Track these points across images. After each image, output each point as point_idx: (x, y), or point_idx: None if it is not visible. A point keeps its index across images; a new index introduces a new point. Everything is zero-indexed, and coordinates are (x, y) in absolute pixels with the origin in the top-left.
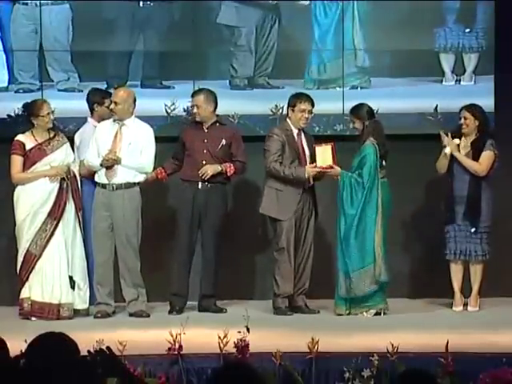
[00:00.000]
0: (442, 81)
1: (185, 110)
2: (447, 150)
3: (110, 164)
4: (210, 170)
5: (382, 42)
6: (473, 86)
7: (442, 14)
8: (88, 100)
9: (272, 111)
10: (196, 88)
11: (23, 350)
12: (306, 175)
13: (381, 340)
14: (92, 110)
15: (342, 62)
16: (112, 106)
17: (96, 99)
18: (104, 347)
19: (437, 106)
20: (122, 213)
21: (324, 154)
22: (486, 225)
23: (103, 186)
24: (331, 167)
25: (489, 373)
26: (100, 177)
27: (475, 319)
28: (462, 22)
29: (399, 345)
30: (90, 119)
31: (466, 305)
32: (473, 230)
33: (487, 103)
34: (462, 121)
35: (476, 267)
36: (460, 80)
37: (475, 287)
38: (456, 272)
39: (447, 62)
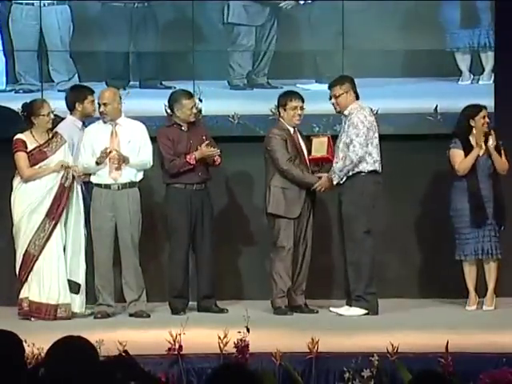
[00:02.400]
0: (458, 80)
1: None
2: (490, 143)
3: (117, 164)
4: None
5: (388, 41)
6: (473, 86)
7: (457, 13)
8: (67, 98)
9: (272, 111)
10: (196, 88)
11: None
12: (316, 186)
13: (381, 340)
14: (73, 108)
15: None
16: (102, 109)
17: (77, 97)
18: (122, 352)
19: (437, 106)
20: (128, 213)
21: (319, 145)
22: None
23: (106, 186)
24: (327, 158)
25: (489, 373)
26: (101, 177)
27: (475, 319)
28: (478, 21)
29: (399, 345)
30: (69, 116)
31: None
32: (502, 228)
33: (487, 103)
34: (486, 119)
35: (490, 266)
36: (479, 79)
37: (491, 286)
38: (470, 271)
39: (464, 61)
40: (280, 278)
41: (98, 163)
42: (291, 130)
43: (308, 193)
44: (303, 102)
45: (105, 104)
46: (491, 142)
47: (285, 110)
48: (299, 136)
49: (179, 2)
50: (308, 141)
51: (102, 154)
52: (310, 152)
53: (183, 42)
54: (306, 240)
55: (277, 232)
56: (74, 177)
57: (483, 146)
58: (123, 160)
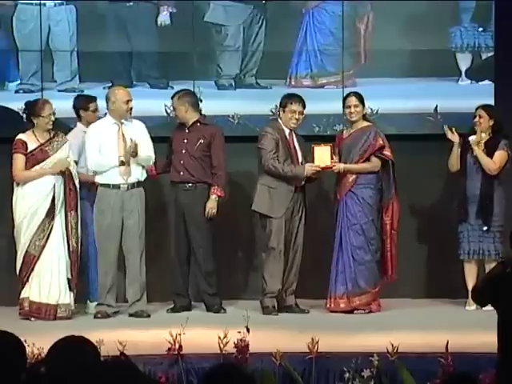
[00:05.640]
0: (457, 80)
1: None
2: (472, 138)
3: (132, 155)
4: (213, 208)
5: (389, 41)
6: (473, 86)
7: (457, 13)
8: (74, 106)
9: (272, 111)
10: (196, 88)
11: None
12: (305, 173)
13: (381, 340)
14: (78, 115)
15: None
16: (130, 105)
17: (81, 105)
18: (119, 354)
19: (437, 106)
20: (137, 212)
21: (322, 154)
22: (499, 224)
23: (115, 186)
24: (330, 167)
25: (489, 373)
26: (109, 177)
27: (475, 319)
28: (476, 22)
29: (399, 345)
30: (78, 124)
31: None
32: (485, 228)
33: (487, 103)
34: (477, 119)
35: (490, 266)
36: (478, 80)
37: None
38: (470, 271)
39: (464, 61)
40: (271, 279)
41: (123, 162)
42: (287, 131)
43: (299, 193)
44: (304, 107)
45: (131, 101)
46: (472, 139)
47: (284, 111)
48: (295, 138)
49: (179, 1)
50: (310, 149)
51: (128, 150)
52: (309, 159)
53: (184, 42)
54: (298, 241)
55: (268, 232)
56: (71, 175)
57: (456, 141)
58: (135, 152)
